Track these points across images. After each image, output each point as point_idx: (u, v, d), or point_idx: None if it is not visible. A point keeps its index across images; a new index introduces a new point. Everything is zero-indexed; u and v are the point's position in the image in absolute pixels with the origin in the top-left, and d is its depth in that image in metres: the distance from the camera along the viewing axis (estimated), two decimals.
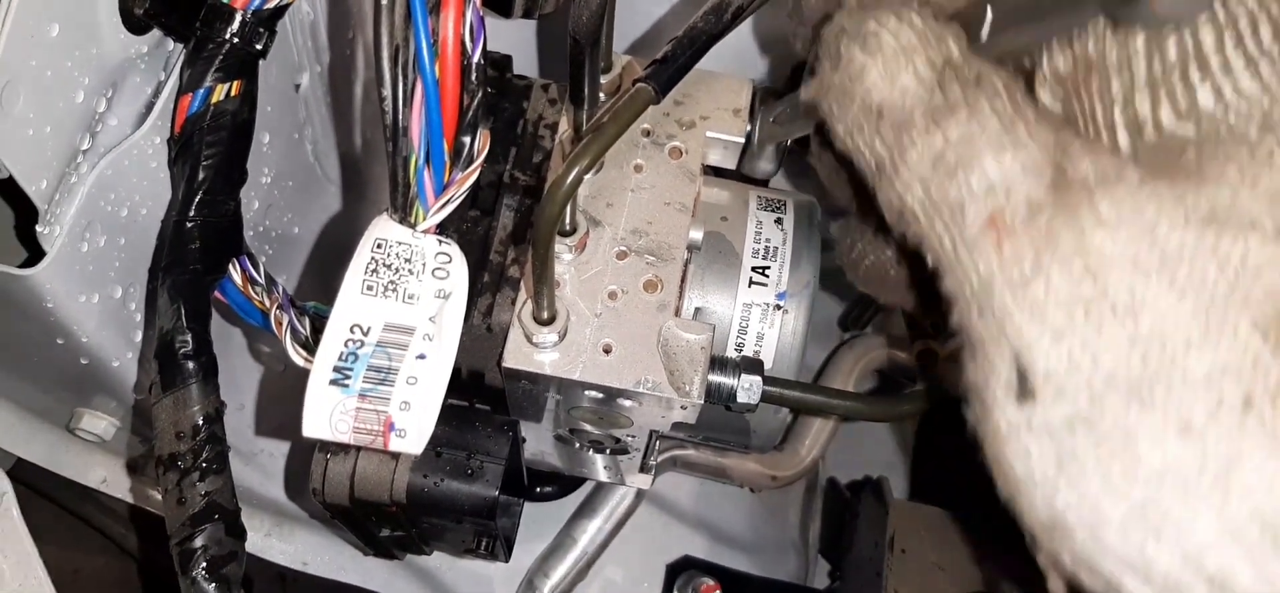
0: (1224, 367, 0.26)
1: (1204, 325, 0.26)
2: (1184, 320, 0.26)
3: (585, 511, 0.80)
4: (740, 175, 0.59)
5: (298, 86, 0.71)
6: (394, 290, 0.48)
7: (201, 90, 0.53)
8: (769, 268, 0.55)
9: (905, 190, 0.33)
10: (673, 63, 0.46)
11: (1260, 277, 0.26)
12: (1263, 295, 0.26)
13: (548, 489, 0.81)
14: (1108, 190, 0.28)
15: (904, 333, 0.77)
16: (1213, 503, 0.25)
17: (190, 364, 0.51)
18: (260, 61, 0.55)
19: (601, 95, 0.53)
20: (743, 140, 0.56)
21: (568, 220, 0.51)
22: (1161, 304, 0.27)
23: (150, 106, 0.55)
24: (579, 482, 0.81)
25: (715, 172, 0.58)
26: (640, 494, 0.81)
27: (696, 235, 0.54)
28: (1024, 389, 0.28)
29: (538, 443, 0.62)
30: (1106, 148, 0.30)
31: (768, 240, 0.56)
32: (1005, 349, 0.29)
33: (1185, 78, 0.28)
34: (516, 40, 0.73)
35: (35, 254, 0.52)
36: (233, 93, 0.53)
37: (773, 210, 0.57)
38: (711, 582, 0.81)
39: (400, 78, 0.43)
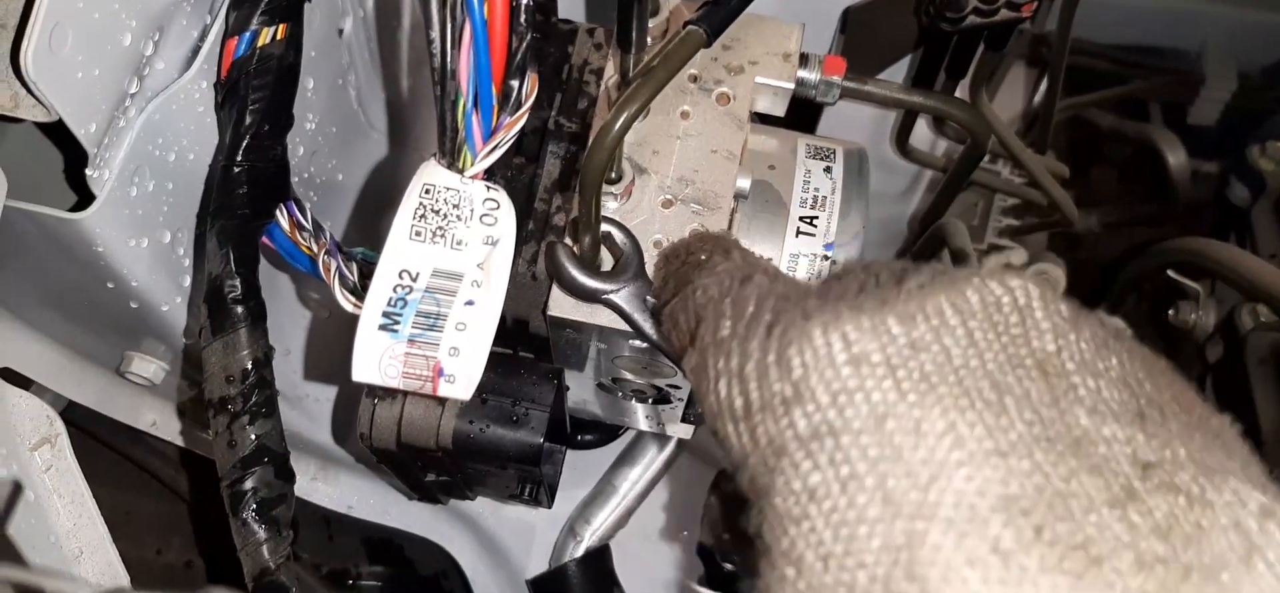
0: None
1: None
2: None
3: (626, 459, 0.80)
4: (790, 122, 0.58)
5: (341, 32, 0.71)
6: (442, 236, 0.48)
7: (247, 34, 0.53)
8: (817, 217, 0.54)
9: None
10: (725, 5, 0.45)
11: None
12: None
13: (589, 437, 0.81)
14: None
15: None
16: None
17: (239, 309, 0.52)
18: (305, 6, 0.54)
19: (648, 39, 0.52)
20: (792, 86, 0.55)
21: (614, 168, 0.50)
22: None
23: (197, 50, 0.55)
24: (620, 430, 0.81)
25: (763, 119, 0.57)
26: (681, 444, 0.81)
27: (744, 184, 0.53)
28: None
29: (580, 392, 0.62)
30: None
31: (816, 190, 0.55)
32: None
33: None
34: None
35: (85, 198, 0.52)
36: (278, 36, 0.53)
37: (822, 159, 0.56)
38: None
39: (448, 20, 0.42)
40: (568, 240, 0.50)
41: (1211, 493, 0.25)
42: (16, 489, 0.44)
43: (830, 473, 0.27)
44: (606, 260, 0.49)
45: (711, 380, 0.31)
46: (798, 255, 0.54)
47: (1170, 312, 0.85)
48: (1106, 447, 0.26)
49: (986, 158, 0.86)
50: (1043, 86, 0.86)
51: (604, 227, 0.49)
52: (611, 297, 0.48)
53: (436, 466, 0.57)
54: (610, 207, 0.51)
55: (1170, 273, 0.83)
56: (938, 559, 0.24)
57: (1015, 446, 0.25)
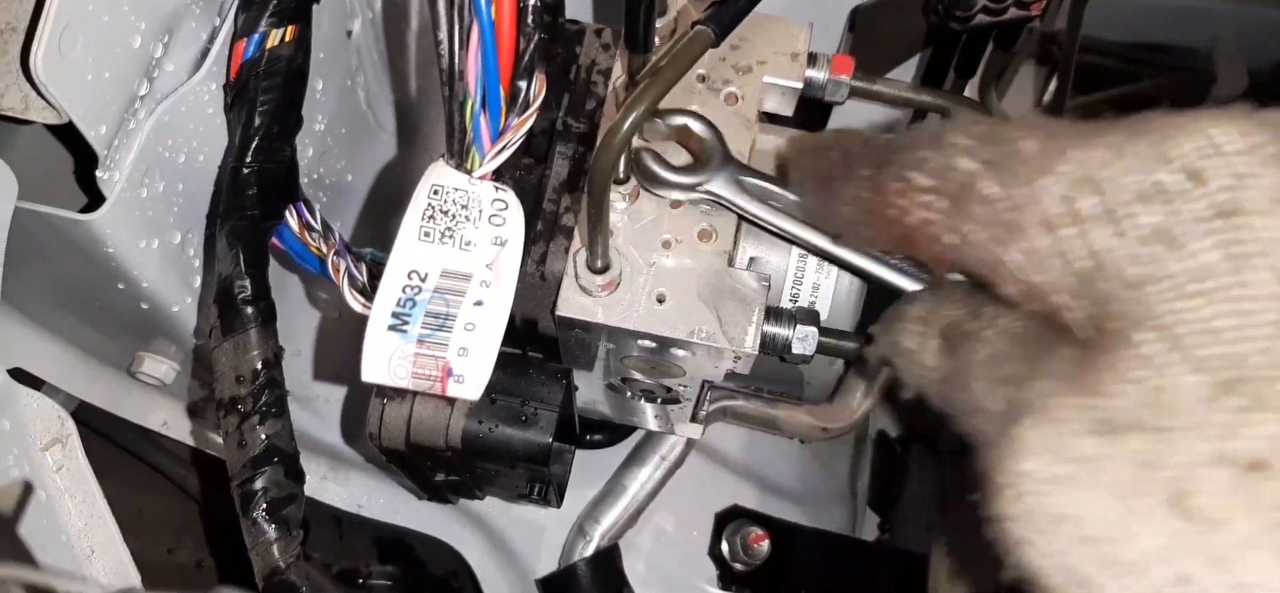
0: (1151, 552, 0.28)
1: (1124, 518, 0.28)
2: (1107, 518, 0.28)
3: (635, 459, 0.80)
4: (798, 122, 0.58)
5: (350, 33, 0.71)
6: (451, 237, 0.48)
7: (256, 35, 0.53)
8: None
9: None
10: (733, 5, 0.45)
11: (1156, 466, 0.28)
12: (1166, 480, 0.27)
13: (598, 438, 0.81)
14: (1029, 415, 0.31)
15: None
16: None
17: (249, 309, 0.52)
18: (313, 7, 0.54)
19: (656, 40, 0.52)
20: (800, 86, 0.54)
21: (622, 168, 0.50)
22: (1085, 507, 0.29)
23: (206, 52, 0.55)
24: (629, 431, 0.81)
25: (772, 119, 0.57)
26: (690, 444, 0.81)
27: None
28: None
29: (589, 392, 0.62)
30: (1053, 349, 0.33)
31: None
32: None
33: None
34: None
35: (95, 200, 0.53)
36: (287, 38, 0.53)
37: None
38: (760, 531, 0.81)
39: (456, 21, 0.42)
40: (578, 243, 0.50)
41: None
42: (28, 489, 0.45)
43: (1223, 252, 0.28)
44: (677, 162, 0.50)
45: (1031, 195, 0.32)
46: (807, 256, 0.54)
47: None
48: None
49: None
50: (1052, 85, 0.86)
51: (681, 118, 0.49)
52: (708, 186, 0.49)
53: (446, 465, 0.57)
54: (619, 207, 0.51)
55: None
56: None
57: None
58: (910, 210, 0.38)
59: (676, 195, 0.50)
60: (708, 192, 0.49)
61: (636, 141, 0.50)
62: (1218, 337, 0.27)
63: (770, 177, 0.50)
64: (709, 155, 0.49)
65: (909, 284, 0.47)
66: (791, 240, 0.50)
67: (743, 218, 0.50)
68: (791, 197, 0.49)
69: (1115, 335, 0.30)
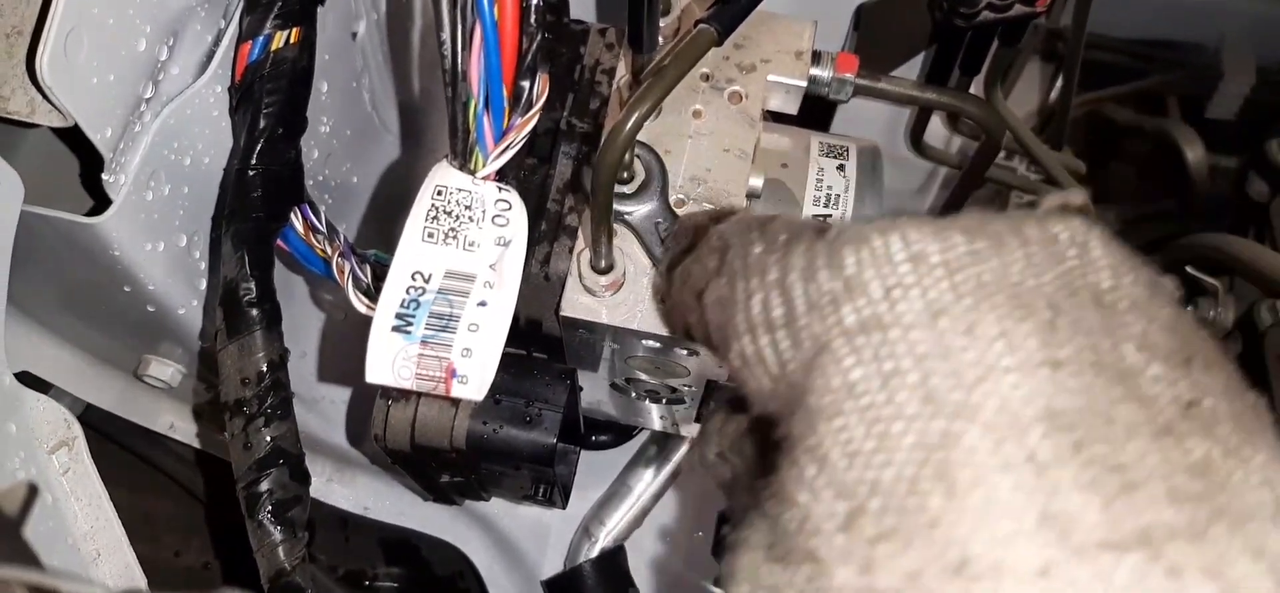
0: None
1: None
2: None
3: (640, 460, 0.80)
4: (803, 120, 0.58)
5: (354, 35, 0.71)
6: (454, 237, 0.48)
7: (261, 38, 0.53)
8: (831, 216, 0.54)
9: None
10: (736, 3, 0.44)
11: None
12: None
13: (603, 438, 0.81)
14: (734, 546, 0.29)
15: None
16: None
17: (254, 311, 0.52)
18: (318, 9, 0.55)
19: (660, 38, 0.52)
20: (805, 84, 0.54)
21: (626, 168, 0.50)
22: None
23: (211, 55, 0.55)
24: (634, 431, 0.81)
25: (776, 117, 0.57)
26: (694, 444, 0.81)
27: (756, 183, 0.53)
28: None
29: (593, 392, 0.62)
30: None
31: (830, 188, 0.55)
32: None
33: None
34: None
35: (101, 202, 0.53)
36: (292, 40, 0.53)
37: (835, 157, 0.56)
38: None
39: (459, 21, 0.42)
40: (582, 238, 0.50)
41: (1247, 450, 0.25)
42: (33, 491, 0.45)
43: (873, 368, 0.26)
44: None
45: (742, 299, 0.31)
46: None
47: (1189, 308, 0.84)
48: (1152, 384, 0.25)
49: (1002, 155, 0.85)
50: (1058, 82, 0.85)
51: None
52: (626, 215, 0.49)
53: (451, 467, 0.57)
54: (622, 207, 0.51)
55: (1188, 269, 0.82)
56: (971, 461, 0.24)
57: (1065, 363, 0.25)
58: (677, 302, 0.37)
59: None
60: (625, 220, 0.49)
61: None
62: (859, 459, 0.26)
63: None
64: (647, 185, 0.50)
65: None
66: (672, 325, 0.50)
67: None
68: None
69: (786, 449, 0.28)
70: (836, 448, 0.26)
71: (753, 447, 0.37)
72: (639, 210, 0.49)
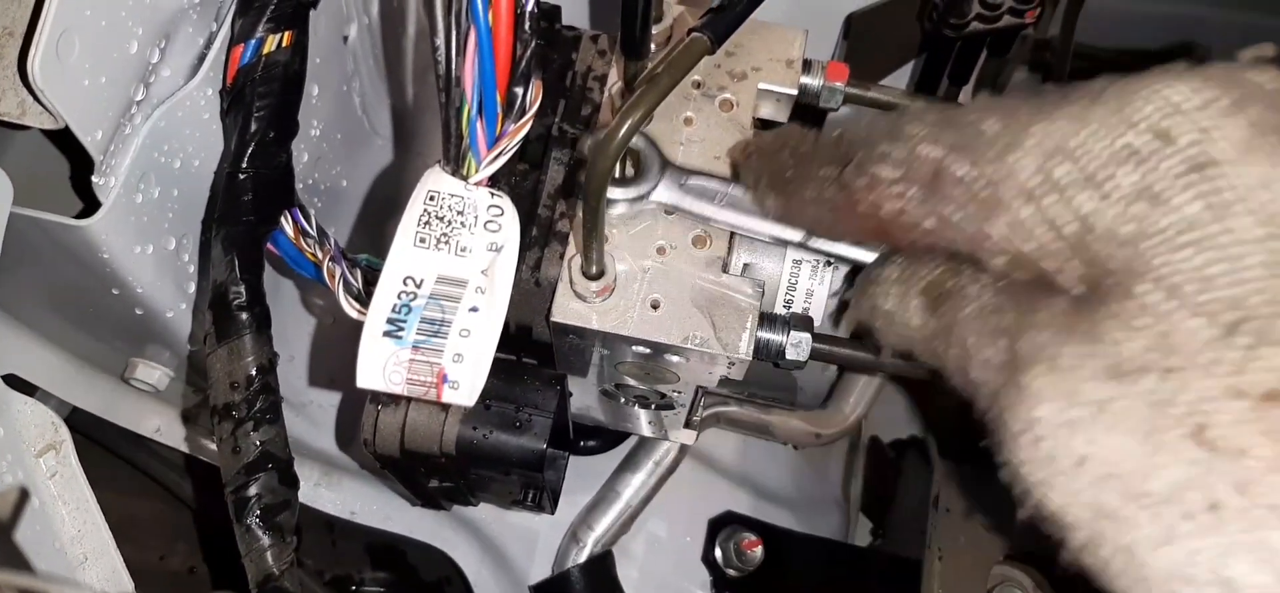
0: (1178, 482, 0.29)
1: (1147, 453, 0.30)
2: (1129, 454, 0.30)
3: (629, 465, 0.80)
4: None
5: (345, 38, 0.71)
6: (447, 243, 0.48)
7: (253, 41, 0.53)
8: None
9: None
10: (729, 12, 0.45)
11: (1171, 404, 0.29)
12: (1182, 415, 0.29)
13: (592, 444, 0.81)
14: (1037, 365, 0.33)
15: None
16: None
17: (244, 315, 0.52)
18: (310, 13, 0.55)
19: (652, 46, 0.52)
20: (795, 92, 0.55)
21: (617, 175, 0.51)
22: (1105, 446, 0.30)
23: (202, 58, 0.55)
24: (623, 437, 0.81)
25: (767, 125, 0.58)
26: (683, 450, 0.81)
27: None
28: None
29: (583, 398, 0.62)
30: (1044, 308, 0.34)
31: None
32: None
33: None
34: None
35: (90, 205, 0.53)
36: (284, 43, 0.53)
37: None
38: (753, 537, 0.81)
39: (453, 26, 0.43)
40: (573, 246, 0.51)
41: None
42: (23, 495, 0.45)
43: (1203, 204, 0.30)
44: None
45: (1005, 171, 0.34)
46: (800, 262, 0.54)
47: None
48: None
49: None
50: None
51: None
52: (654, 195, 0.50)
53: (440, 472, 0.57)
54: (614, 214, 0.51)
55: None
56: None
57: None
58: (882, 204, 0.39)
59: (622, 211, 0.51)
60: (653, 200, 0.50)
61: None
62: (1212, 283, 0.29)
63: (716, 175, 0.51)
64: (647, 165, 0.50)
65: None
66: (749, 236, 0.51)
67: (696, 219, 0.51)
68: (738, 192, 0.50)
69: (1114, 289, 0.31)
70: (1185, 276, 0.30)
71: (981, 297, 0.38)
72: (659, 185, 0.50)
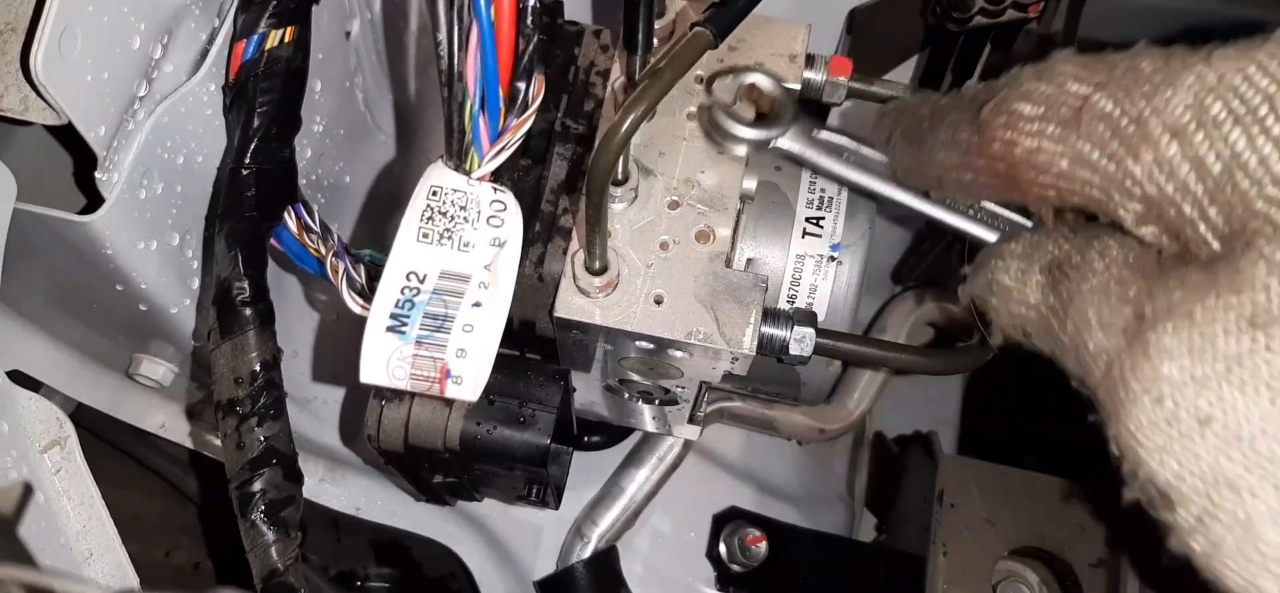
0: None
1: (1276, 413, 0.28)
2: (1262, 415, 0.28)
3: (633, 460, 0.80)
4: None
5: (348, 34, 0.71)
6: (449, 238, 0.48)
7: (255, 36, 0.53)
8: (823, 219, 0.54)
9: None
10: (732, 6, 0.45)
11: None
12: None
13: (596, 439, 0.81)
14: (1169, 321, 0.31)
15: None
16: None
17: (248, 311, 0.52)
18: (313, 8, 0.55)
19: (655, 41, 0.52)
20: (798, 87, 0.55)
21: (620, 170, 0.50)
22: (1236, 406, 0.29)
23: (205, 53, 0.55)
24: (627, 432, 0.81)
25: None
26: (687, 445, 0.81)
27: (750, 185, 0.53)
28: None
29: (587, 393, 0.62)
30: (1175, 268, 0.33)
31: (822, 191, 0.55)
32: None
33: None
34: None
35: (94, 201, 0.53)
36: (286, 39, 0.53)
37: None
38: (757, 532, 0.81)
39: (456, 22, 0.43)
40: (578, 246, 0.50)
41: None
42: (27, 491, 0.45)
43: None
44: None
45: (1156, 110, 0.32)
46: (804, 256, 0.54)
47: None
48: None
49: None
50: None
51: (750, 77, 0.50)
52: (780, 142, 0.50)
53: (444, 467, 0.57)
54: (617, 209, 0.51)
55: None
56: None
57: None
58: (1018, 141, 0.38)
59: (741, 152, 0.51)
60: (780, 148, 0.50)
61: (706, 98, 0.52)
62: None
63: (847, 132, 0.51)
64: (781, 112, 0.50)
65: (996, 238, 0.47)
66: (871, 196, 0.51)
67: (818, 172, 0.52)
68: (868, 153, 0.50)
69: (1258, 233, 0.30)
70: None
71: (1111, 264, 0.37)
72: (788, 132, 0.50)
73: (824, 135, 0.50)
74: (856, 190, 0.51)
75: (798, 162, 0.50)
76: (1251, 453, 0.28)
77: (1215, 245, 0.32)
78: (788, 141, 0.50)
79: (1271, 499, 0.28)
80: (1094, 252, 0.37)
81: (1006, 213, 0.49)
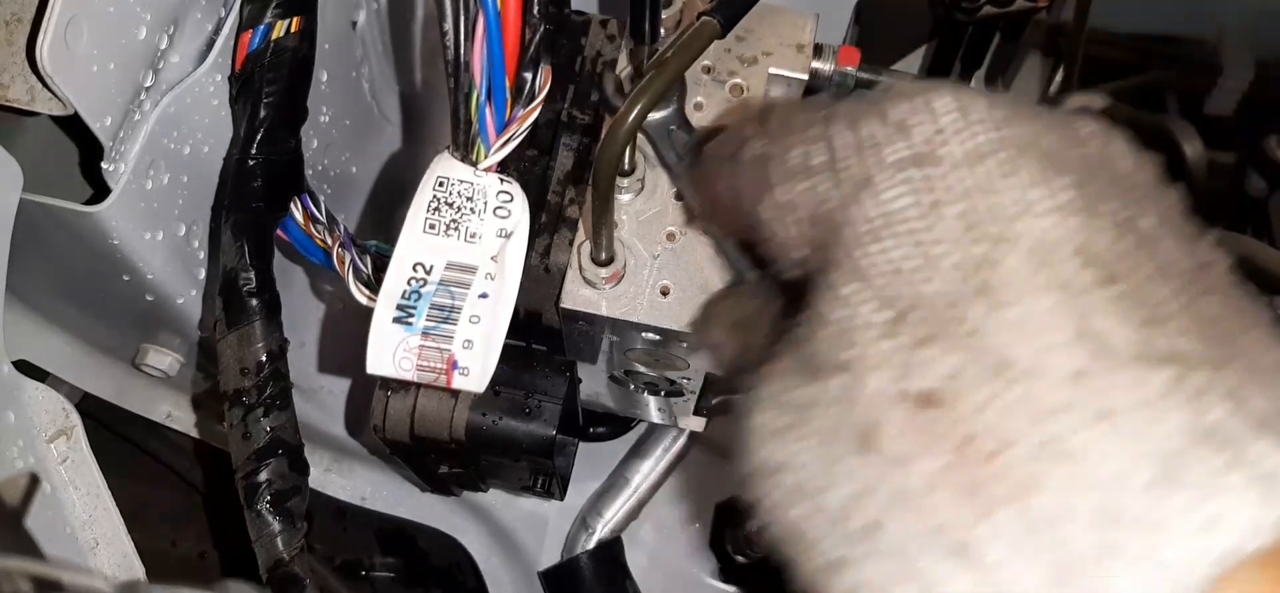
0: (847, 497, 0.27)
1: (825, 464, 0.28)
2: (812, 465, 0.28)
3: (638, 451, 0.80)
4: None
5: (354, 24, 0.71)
6: (456, 229, 0.48)
7: (262, 27, 0.53)
8: None
9: None
10: None
11: (849, 404, 0.27)
12: (856, 419, 0.27)
13: (601, 430, 0.81)
14: (763, 370, 0.31)
15: None
16: None
17: (254, 301, 0.52)
18: None
19: (661, 31, 0.52)
20: (806, 78, 0.54)
21: (627, 160, 0.50)
22: (796, 455, 0.28)
23: (211, 43, 0.55)
24: (632, 423, 0.81)
25: None
26: (692, 436, 0.81)
27: None
28: None
29: (592, 384, 0.62)
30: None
31: None
32: None
33: None
34: None
35: (100, 191, 0.53)
36: (293, 29, 0.53)
37: None
38: None
39: (462, 11, 0.42)
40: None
41: (1251, 318, 0.28)
42: (35, 481, 0.45)
43: (915, 199, 0.28)
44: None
45: (781, 152, 0.33)
46: None
47: None
48: (1170, 250, 0.28)
49: None
50: (1059, 77, 0.85)
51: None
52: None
53: (449, 457, 0.57)
54: (624, 199, 0.51)
55: None
56: (1011, 282, 0.26)
57: (1098, 215, 0.27)
58: (715, 179, 0.39)
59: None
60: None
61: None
62: (901, 276, 0.28)
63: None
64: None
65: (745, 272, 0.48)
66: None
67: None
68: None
69: (819, 280, 0.30)
70: (878, 267, 0.28)
71: (767, 320, 0.38)
72: (655, 115, 0.50)
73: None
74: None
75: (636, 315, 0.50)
76: (811, 504, 0.28)
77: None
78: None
79: (826, 553, 0.27)
80: (764, 306, 0.39)
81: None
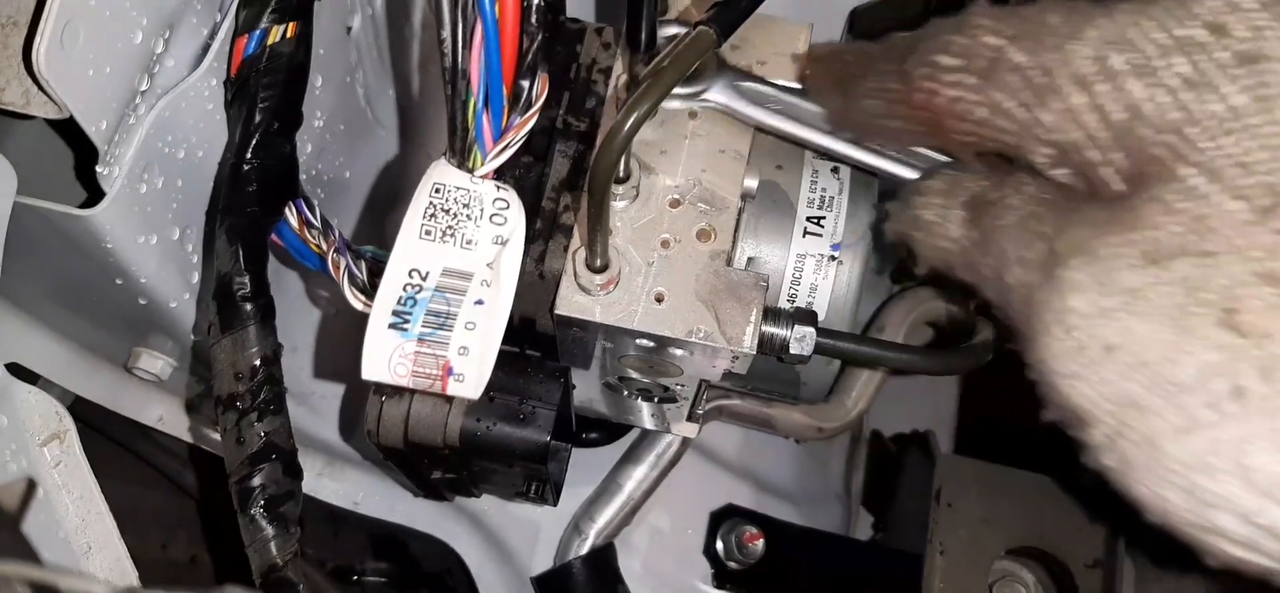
0: (1204, 369, 0.30)
1: (1176, 340, 0.30)
2: (1159, 341, 0.30)
3: (631, 457, 0.80)
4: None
5: (349, 29, 0.71)
6: (452, 235, 0.48)
7: (257, 31, 0.53)
8: (824, 218, 0.55)
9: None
10: (735, 5, 0.45)
11: (1203, 288, 0.30)
12: (1214, 300, 0.30)
13: (594, 436, 0.81)
14: (1076, 257, 0.34)
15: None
16: (1238, 481, 0.29)
17: (248, 306, 0.52)
18: (314, 4, 0.54)
19: (657, 40, 0.52)
20: (800, 86, 0.55)
21: (622, 168, 0.51)
22: (1136, 334, 0.31)
23: (207, 48, 0.55)
24: (625, 429, 0.81)
25: None
26: (686, 442, 0.81)
27: (751, 184, 0.53)
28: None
29: (586, 390, 0.62)
30: (1083, 207, 0.35)
31: (824, 190, 0.55)
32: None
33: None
34: None
35: (94, 195, 0.53)
36: (288, 34, 0.53)
37: (829, 159, 0.56)
38: (755, 530, 0.81)
39: (460, 19, 0.42)
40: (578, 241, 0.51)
41: None
42: (31, 486, 0.45)
43: (1252, 95, 0.30)
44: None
45: (1062, 61, 0.35)
46: (805, 255, 0.54)
47: None
48: None
49: None
50: None
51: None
52: (707, 95, 0.52)
53: (443, 463, 0.57)
54: (618, 206, 0.51)
55: None
56: None
57: None
58: (939, 91, 0.40)
59: (676, 106, 0.52)
60: (707, 100, 0.52)
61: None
62: (1252, 169, 0.30)
63: (771, 81, 0.52)
64: (703, 65, 0.51)
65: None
66: (798, 143, 0.52)
67: (755, 128, 0.53)
68: (795, 101, 0.51)
69: (1154, 176, 0.32)
70: (1229, 162, 0.30)
71: (1020, 202, 0.39)
72: (714, 85, 0.52)
73: (749, 85, 0.52)
74: (784, 138, 0.52)
75: (728, 113, 0.51)
76: (1154, 376, 0.30)
77: (1120, 186, 0.34)
78: (716, 94, 0.52)
79: (1173, 416, 0.30)
80: (1010, 190, 0.39)
81: (932, 154, 0.49)
